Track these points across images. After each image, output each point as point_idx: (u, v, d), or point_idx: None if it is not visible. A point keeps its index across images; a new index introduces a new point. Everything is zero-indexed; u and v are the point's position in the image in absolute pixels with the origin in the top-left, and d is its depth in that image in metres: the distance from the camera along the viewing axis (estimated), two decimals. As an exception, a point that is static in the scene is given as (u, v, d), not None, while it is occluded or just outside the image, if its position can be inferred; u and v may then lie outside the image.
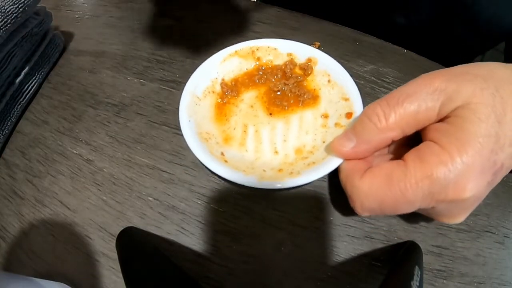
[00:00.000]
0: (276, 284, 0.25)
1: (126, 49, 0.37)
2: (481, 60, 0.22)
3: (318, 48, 0.35)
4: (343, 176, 0.23)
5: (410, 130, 0.21)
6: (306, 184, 0.23)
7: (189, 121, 0.27)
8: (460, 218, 0.20)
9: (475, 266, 0.24)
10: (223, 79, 0.30)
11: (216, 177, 0.28)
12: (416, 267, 0.21)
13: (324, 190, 0.27)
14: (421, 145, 0.20)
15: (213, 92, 0.30)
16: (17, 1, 0.30)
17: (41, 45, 0.35)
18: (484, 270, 0.24)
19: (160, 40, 0.37)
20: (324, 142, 0.27)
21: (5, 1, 0.29)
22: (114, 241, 0.25)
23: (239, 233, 0.26)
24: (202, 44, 0.36)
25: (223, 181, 0.28)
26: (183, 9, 0.40)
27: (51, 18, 0.36)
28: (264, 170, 0.25)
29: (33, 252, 0.27)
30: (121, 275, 0.22)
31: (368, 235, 0.26)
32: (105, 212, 0.28)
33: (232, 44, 0.31)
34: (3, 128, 0.32)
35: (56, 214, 0.28)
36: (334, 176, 0.27)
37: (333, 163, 0.24)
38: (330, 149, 0.24)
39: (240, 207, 0.27)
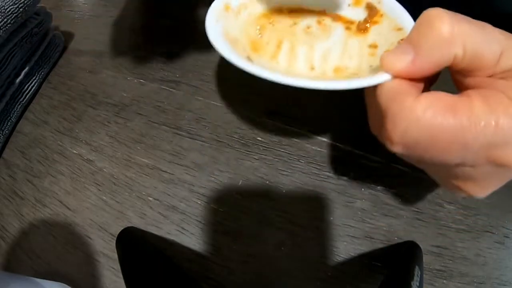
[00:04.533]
0: (276, 284, 0.25)
1: (126, 49, 0.37)
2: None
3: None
4: (387, 93, 0.18)
5: (466, 62, 0.17)
6: (341, 91, 0.19)
7: (217, 21, 0.23)
8: (489, 190, 0.18)
9: (475, 266, 0.24)
10: None
11: (216, 177, 0.28)
12: (416, 267, 0.21)
13: (324, 190, 0.27)
14: (485, 90, 0.17)
15: (246, 8, 0.26)
16: (17, 1, 0.30)
17: (41, 45, 0.35)
18: (484, 270, 0.24)
19: (160, 40, 0.37)
20: (371, 66, 0.23)
21: (5, 1, 0.29)
22: (114, 241, 0.25)
23: (239, 233, 0.26)
24: (202, 44, 0.36)
25: (223, 181, 0.28)
26: (183, 9, 0.40)
27: (51, 18, 0.36)
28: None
29: (33, 252, 0.27)
30: (121, 275, 0.22)
31: (368, 235, 0.26)
32: (105, 212, 0.28)
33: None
34: (3, 128, 0.32)
35: (56, 214, 0.28)
36: (335, 174, 0.27)
37: (380, 77, 0.18)
38: (380, 66, 0.19)
39: (240, 207, 0.27)
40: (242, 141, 0.30)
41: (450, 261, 0.25)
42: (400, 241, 0.25)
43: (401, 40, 0.22)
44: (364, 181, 0.27)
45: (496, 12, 0.35)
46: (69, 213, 0.28)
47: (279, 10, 0.27)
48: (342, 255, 0.25)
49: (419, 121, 0.16)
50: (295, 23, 0.27)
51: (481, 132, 0.15)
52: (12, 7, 0.29)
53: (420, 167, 0.19)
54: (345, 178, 0.27)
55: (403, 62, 0.17)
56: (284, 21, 0.27)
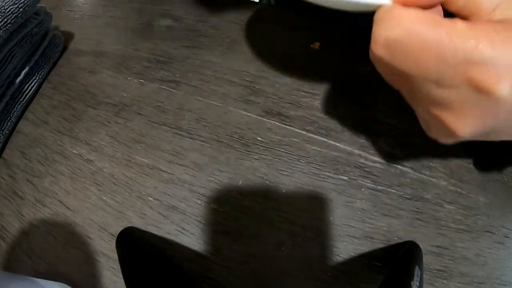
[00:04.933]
0: (276, 284, 0.25)
1: (126, 49, 0.37)
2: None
3: (318, 48, 0.35)
4: (384, 9, 0.19)
5: (462, 2, 0.18)
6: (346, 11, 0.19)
7: None
8: (468, 123, 0.18)
9: (475, 266, 0.24)
10: None
11: (216, 177, 0.28)
12: (416, 267, 0.21)
13: (324, 190, 0.27)
14: (473, 20, 0.18)
15: None
16: (17, 1, 0.30)
17: (41, 45, 0.35)
18: (484, 270, 0.24)
19: (160, 40, 0.37)
20: None
21: (5, 1, 0.29)
22: (114, 241, 0.25)
23: (239, 233, 0.26)
24: (202, 44, 0.36)
25: (223, 181, 0.28)
26: (183, 9, 0.40)
27: (51, 18, 0.36)
28: None
29: (33, 252, 0.27)
30: (121, 275, 0.22)
31: (368, 235, 0.26)
32: (105, 212, 0.28)
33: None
34: (3, 128, 0.32)
35: (56, 214, 0.28)
36: (335, 174, 0.27)
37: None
38: None
39: (240, 207, 0.27)
40: (242, 141, 0.30)
41: (450, 261, 0.25)
42: (400, 241, 0.25)
43: None
44: (364, 181, 0.27)
45: None
46: (69, 213, 0.28)
47: None
48: (342, 255, 0.25)
49: (404, 24, 0.17)
50: None
51: (460, 49, 0.16)
52: (12, 7, 0.29)
53: (397, 85, 0.20)
54: (345, 178, 0.27)
55: None
56: None
